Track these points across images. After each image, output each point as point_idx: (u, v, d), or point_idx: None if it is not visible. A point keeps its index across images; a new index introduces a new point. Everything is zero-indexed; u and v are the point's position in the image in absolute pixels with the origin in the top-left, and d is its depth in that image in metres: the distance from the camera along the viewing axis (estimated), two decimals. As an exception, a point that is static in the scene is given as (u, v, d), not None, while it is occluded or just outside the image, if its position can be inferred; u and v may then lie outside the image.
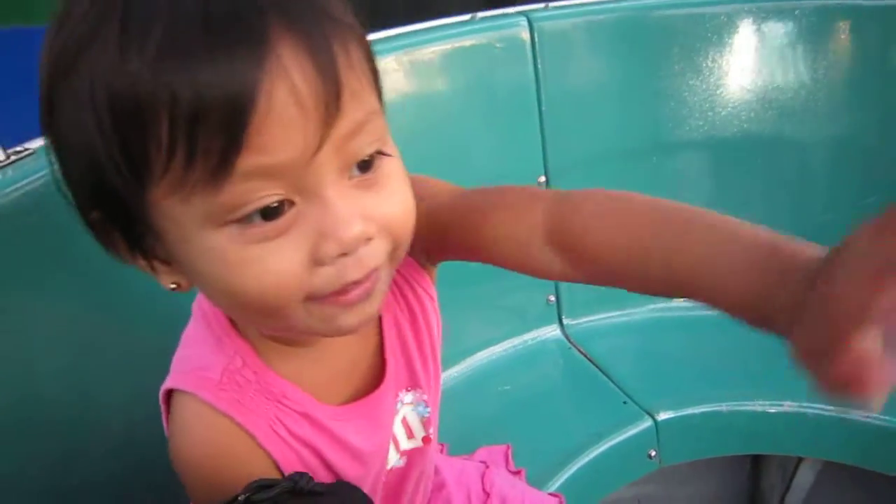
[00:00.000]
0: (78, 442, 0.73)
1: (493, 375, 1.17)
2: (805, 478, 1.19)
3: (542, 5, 1.14)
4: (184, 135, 0.38)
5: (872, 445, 1.03)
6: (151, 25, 0.38)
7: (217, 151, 0.38)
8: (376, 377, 0.59)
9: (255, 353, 0.52)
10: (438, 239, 0.57)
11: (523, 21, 1.10)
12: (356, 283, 0.45)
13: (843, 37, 1.17)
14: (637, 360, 1.16)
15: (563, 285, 1.22)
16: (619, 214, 0.48)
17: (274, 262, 0.42)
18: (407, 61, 1.03)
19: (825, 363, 0.33)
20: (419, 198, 0.50)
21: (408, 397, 0.61)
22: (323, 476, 0.55)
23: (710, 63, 1.18)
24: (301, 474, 0.45)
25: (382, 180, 0.45)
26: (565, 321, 1.24)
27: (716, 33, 1.17)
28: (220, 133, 0.38)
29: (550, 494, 0.91)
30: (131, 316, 0.77)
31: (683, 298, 0.44)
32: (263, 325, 0.50)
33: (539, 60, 1.11)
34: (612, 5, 1.16)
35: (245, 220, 0.41)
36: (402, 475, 0.64)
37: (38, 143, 0.74)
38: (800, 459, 1.17)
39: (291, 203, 0.42)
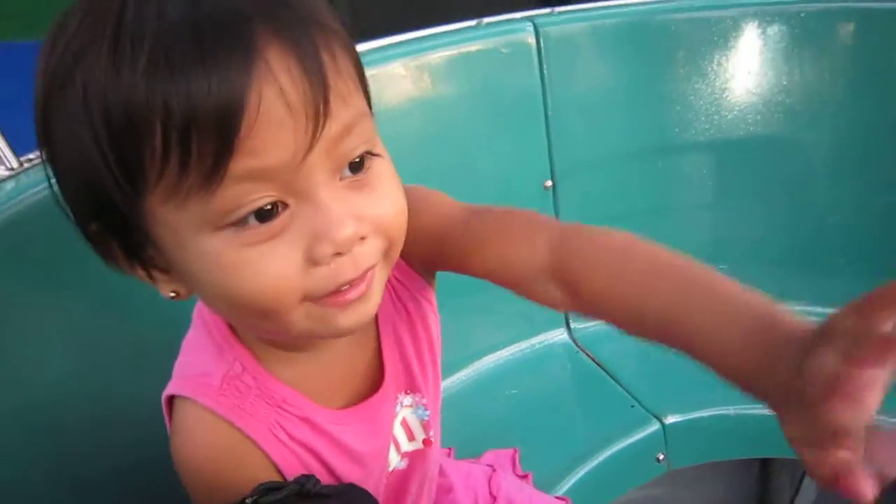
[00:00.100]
0: (85, 444, 0.73)
1: (500, 379, 1.17)
2: (813, 482, 1.18)
3: (548, 10, 1.14)
4: (177, 142, 0.39)
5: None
6: (142, 38, 0.39)
7: (210, 156, 0.39)
8: (375, 381, 0.59)
9: (254, 358, 0.53)
10: (436, 254, 0.57)
11: (529, 26, 1.11)
12: (352, 282, 0.45)
13: (847, 40, 1.16)
14: (644, 364, 1.15)
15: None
16: (618, 268, 0.49)
17: (269, 264, 0.43)
18: (414, 66, 1.03)
19: (814, 453, 0.35)
20: (418, 210, 0.51)
21: (407, 400, 0.62)
22: (324, 479, 0.55)
23: (715, 66, 1.17)
24: (308, 477, 0.45)
25: (373, 181, 0.46)
26: (573, 325, 1.24)
27: (721, 37, 1.16)
28: (213, 138, 0.39)
29: (558, 498, 0.91)
30: (139, 319, 0.78)
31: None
32: (262, 328, 0.51)
33: (545, 65, 1.11)
34: (617, 10, 1.16)
35: (240, 223, 0.42)
36: (404, 477, 0.64)
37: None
38: (808, 463, 1.17)
39: (285, 205, 0.43)
